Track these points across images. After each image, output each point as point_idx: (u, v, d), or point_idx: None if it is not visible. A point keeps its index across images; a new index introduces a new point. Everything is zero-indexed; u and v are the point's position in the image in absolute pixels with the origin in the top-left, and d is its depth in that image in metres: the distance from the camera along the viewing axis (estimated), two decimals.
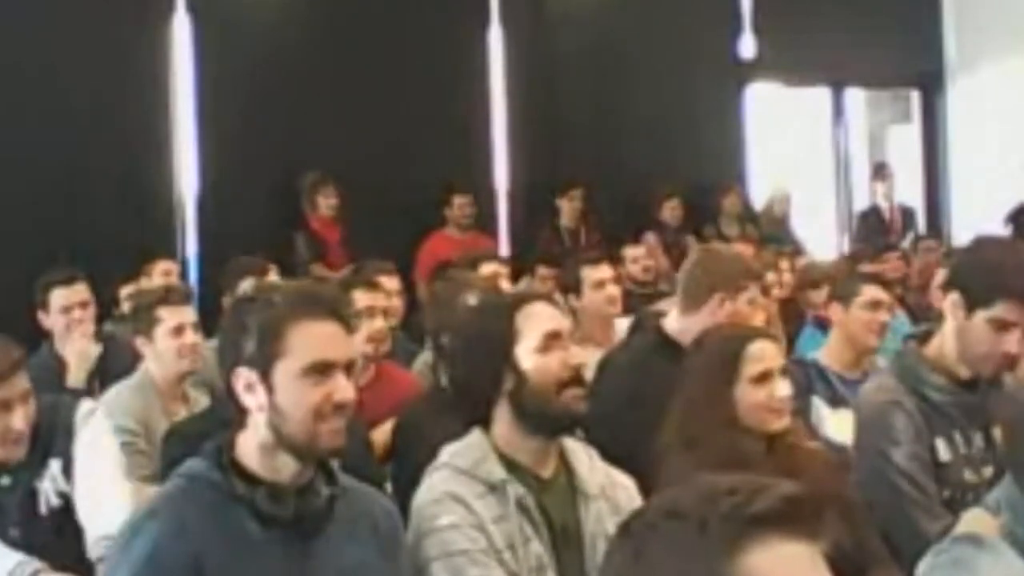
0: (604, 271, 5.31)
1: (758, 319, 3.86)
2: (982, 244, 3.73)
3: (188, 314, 4.46)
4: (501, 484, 2.64)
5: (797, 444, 3.10)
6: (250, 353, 2.31)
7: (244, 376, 2.32)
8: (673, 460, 2.99)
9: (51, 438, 3.26)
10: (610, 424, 3.47)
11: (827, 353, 4.54)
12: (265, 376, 2.30)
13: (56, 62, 7.66)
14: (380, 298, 4.46)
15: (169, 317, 4.38)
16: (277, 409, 2.30)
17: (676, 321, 3.89)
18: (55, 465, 3.24)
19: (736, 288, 3.80)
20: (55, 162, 7.62)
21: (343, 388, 2.31)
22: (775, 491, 1.21)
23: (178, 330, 4.37)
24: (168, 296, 4.51)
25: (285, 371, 2.29)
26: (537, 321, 2.72)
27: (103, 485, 3.22)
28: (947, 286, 3.14)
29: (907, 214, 11.08)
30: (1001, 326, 2.99)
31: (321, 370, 2.30)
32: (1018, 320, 2.99)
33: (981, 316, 3.02)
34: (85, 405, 3.40)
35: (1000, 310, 2.99)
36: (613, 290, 5.29)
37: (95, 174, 7.77)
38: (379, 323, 4.31)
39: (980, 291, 3.03)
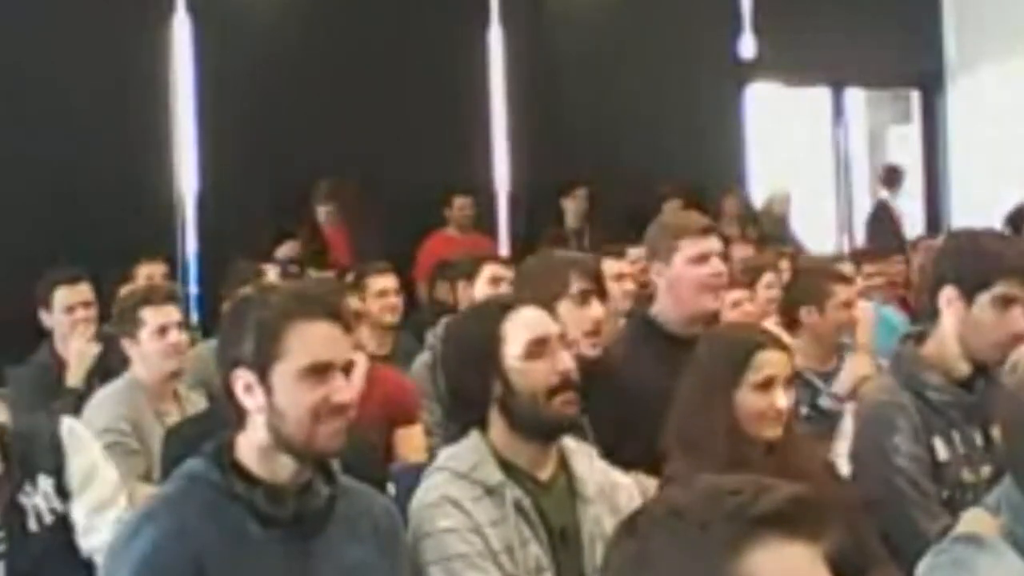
0: (624, 265, 5.38)
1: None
2: (958, 236, 3.71)
3: (172, 314, 4.43)
4: (498, 487, 2.63)
5: (797, 448, 3.09)
6: (248, 354, 2.31)
7: (243, 377, 2.32)
8: (674, 461, 2.99)
9: (32, 456, 3.20)
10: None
11: (800, 355, 4.24)
12: (263, 377, 2.30)
13: (56, 62, 7.65)
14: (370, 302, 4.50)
15: (152, 318, 4.35)
16: (276, 410, 2.30)
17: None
18: (45, 483, 3.20)
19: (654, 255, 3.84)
20: (55, 162, 7.60)
21: (341, 389, 2.31)
22: (779, 492, 1.22)
23: (162, 330, 4.34)
24: (151, 297, 4.48)
25: (283, 372, 2.29)
26: (523, 327, 2.69)
27: (107, 512, 3.18)
28: (938, 284, 3.12)
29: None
30: (1005, 303, 3.01)
31: (319, 371, 2.30)
32: (1019, 294, 3.00)
33: (983, 299, 3.02)
34: (66, 423, 3.34)
35: (1001, 287, 3.01)
36: (630, 285, 5.34)
37: (95, 174, 7.75)
38: (365, 331, 4.34)
39: (976, 276, 3.03)
